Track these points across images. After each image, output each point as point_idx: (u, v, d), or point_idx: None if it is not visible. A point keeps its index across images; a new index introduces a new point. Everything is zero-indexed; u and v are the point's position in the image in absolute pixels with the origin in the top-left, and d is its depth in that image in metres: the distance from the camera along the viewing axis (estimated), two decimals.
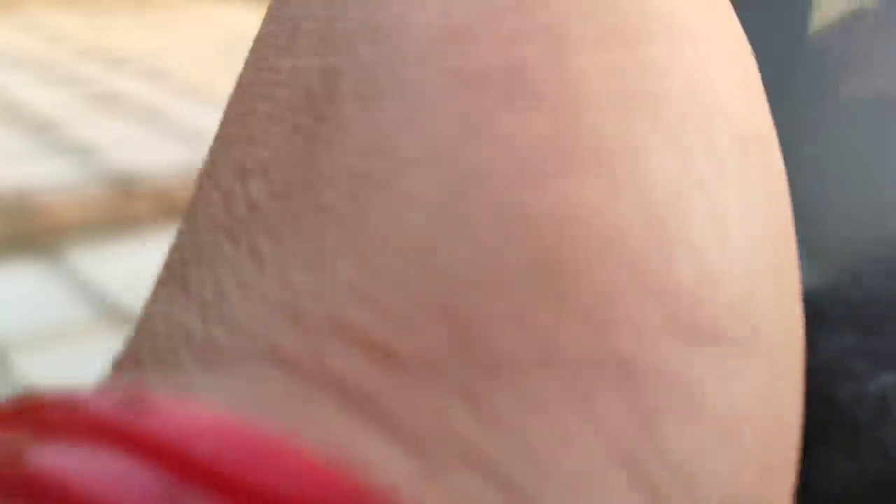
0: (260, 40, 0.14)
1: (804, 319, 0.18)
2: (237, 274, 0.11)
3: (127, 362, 0.12)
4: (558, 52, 0.11)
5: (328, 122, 0.12)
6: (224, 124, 0.13)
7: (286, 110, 0.12)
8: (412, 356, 0.10)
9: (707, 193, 0.11)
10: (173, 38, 4.51)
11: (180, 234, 0.13)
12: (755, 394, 0.11)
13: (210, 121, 3.32)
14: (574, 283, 0.10)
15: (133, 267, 2.35)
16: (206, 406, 0.10)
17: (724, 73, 0.12)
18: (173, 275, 0.12)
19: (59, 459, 0.09)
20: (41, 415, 0.10)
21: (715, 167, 0.11)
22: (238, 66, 4.02)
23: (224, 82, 3.79)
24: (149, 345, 0.11)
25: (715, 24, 0.12)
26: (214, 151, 0.13)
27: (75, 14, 4.89)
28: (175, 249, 0.12)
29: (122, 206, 2.62)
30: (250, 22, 4.94)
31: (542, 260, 0.10)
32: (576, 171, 0.10)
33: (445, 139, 0.11)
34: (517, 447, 0.09)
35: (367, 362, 0.10)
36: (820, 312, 0.19)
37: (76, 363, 1.95)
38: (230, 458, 0.09)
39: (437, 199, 0.11)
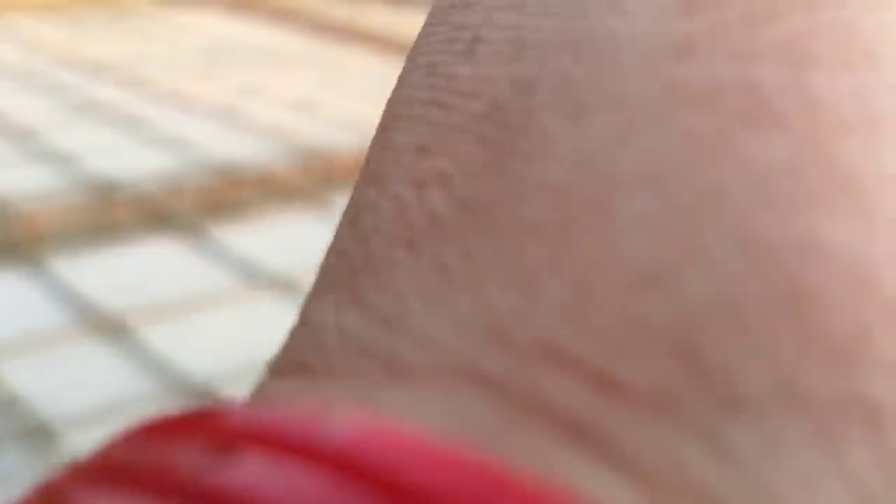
0: (427, 45, 0.13)
1: None
2: (421, 288, 0.11)
3: (293, 372, 0.11)
4: (797, 71, 0.10)
5: (525, 135, 0.11)
6: (385, 130, 0.13)
7: (468, 120, 0.11)
8: (638, 387, 0.09)
9: None
10: (152, 45, 4.51)
11: (342, 241, 0.12)
12: None
13: (190, 127, 3.32)
14: (822, 321, 0.09)
15: (115, 274, 2.35)
16: (399, 421, 0.09)
17: None
18: (340, 284, 0.11)
19: (243, 474, 0.09)
20: (220, 426, 0.09)
21: None
22: (217, 73, 4.02)
23: (203, 89, 3.79)
24: (319, 354, 0.11)
25: None
26: (377, 160, 0.12)
27: (54, 22, 4.88)
28: (337, 258, 0.12)
29: (103, 214, 2.63)
30: (229, 29, 4.94)
31: (787, 293, 0.09)
32: (824, 203, 0.10)
33: (671, 158, 0.10)
34: (755, 490, 0.09)
35: (585, 390, 0.09)
36: None
37: (60, 370, 1.96)
38: (437, 482, 0.08)
39: (664, 223, 0.10)
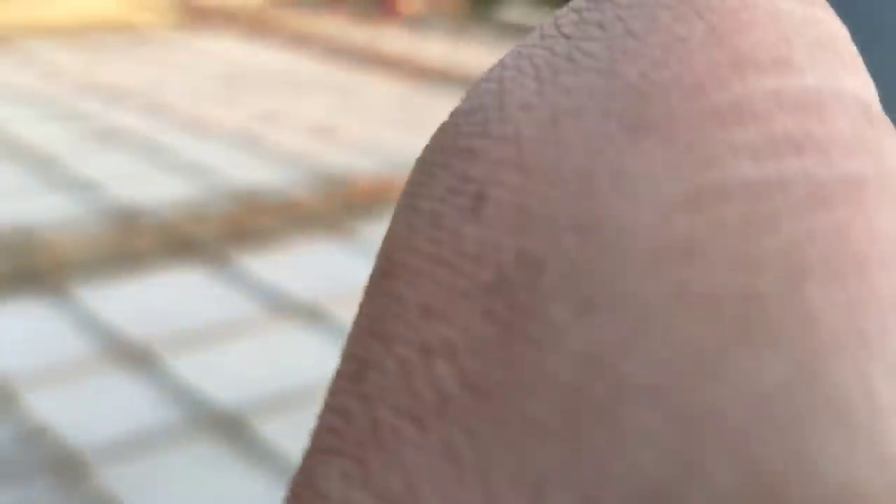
0: (428, 189, 0.13)
1: None
2: (430, 471, 0.11)
3: None
4: (794, 282, 0.10)
5: (533, 319, 0.11)
6: (387, 276, 0.12)
7: (475, 289, 0.11)
8: None
9: None
10: (171, 71, 4.53)
11: (346, 399, 0.12)
12: None
13: (210, 153, 3.33)
14: None
15: (139, 302, 2.35)
16: None
17: None
18: (347, 452, 0.11)
19: None
20: None
21: None
22: (237, 98, 4.04)
23: (223, 114, 3.80)
24: None
25: None
26: (381, 308, 0.12)
27: (73, 49, 4.91)
28: (341, 418, 0.12)
29: (124, 241, 2.63)
30: (247, 54, 4.96)
31: None
32: (813, 423, 0.10)
33: (675, 370, 0.10)
34: None
35: None
36: None
37: (84, 400, 1.95)
38: None
39: (669, 438, 0.10)
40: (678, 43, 0.12)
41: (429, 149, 0.13)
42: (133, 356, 2.11)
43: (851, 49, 0.13)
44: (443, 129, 0.13)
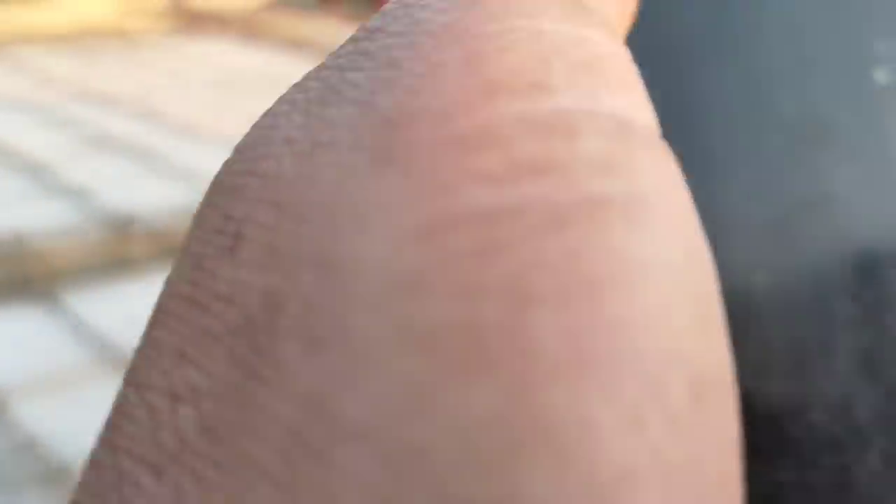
0: (198, 232, 0.12)
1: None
2: None
3: None
4: (517, 310, 0.10)
5: (267, 359, 0.11)
6: (152, 325, 0.12)
7: (224, 331, 0.11)
8: None
9: (658, 461, 0.10)
10: (164, 76, 4.53)
11: (98, 451, 0.12)
12: None
13: (204, 160, 3.32)
14: None
15: (132, 309, 2.33)
16: None
17: (685, 313, 0.11)
18: (96, 498, 0.11)
19: None
20: None
21: (668, 428, 0.10)
22: (230, 104, 4.03)
23: (216, 120, 3.80)
24: None
25: (681, 254, 0.11)
26: (141, 357, 0.12)
27: (65, 55, 4.91)
28: (93, 471, 0.11)
29: (118, 248, 2.61)
30: (241, 58, 4.96)
31: None
32: (524, 453, 0.10)
33: (389, 409, 0.10)
34: None
35: None
36: (756, 444, 0.18)
37: (76, 409, 1.94)
38: None
39: (374, 480, 0.10)
40: (434, 71, 0.12)
41: (208, 188, 0.13)
42: (126, 364, 2.09)
43: (622, 68, 0.13)
44: (221, 167, 0.13)
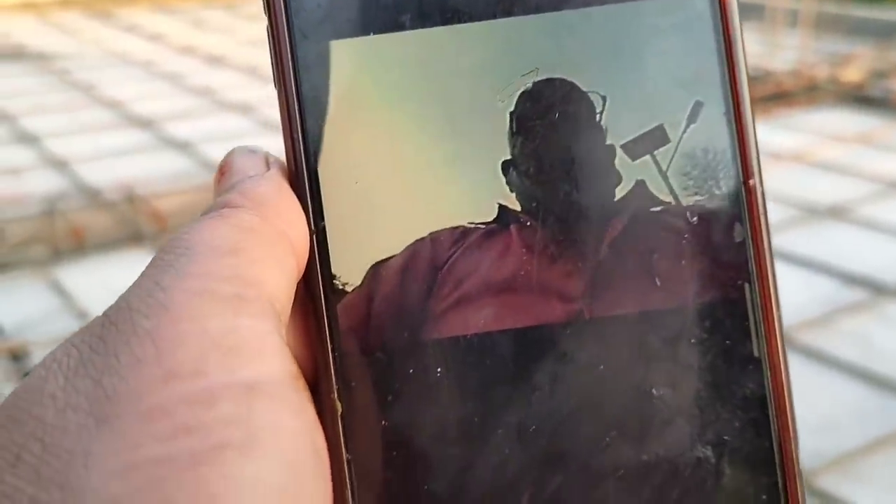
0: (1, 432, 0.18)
1: None
2: None
3: None
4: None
5: None
6: None
7: None
8: None
9: None
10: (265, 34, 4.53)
11: None
12: None
13: None
14: None
15: None
16: None
17: None
18: None
19: None
20: None
21: None
22: None
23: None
24: None
25: (284, 473, 0.18)
26: None
27: (172, 15, 4.98)
28: None
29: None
30: None
31: None
32: None
33: None
34: None
35: None
36: None
37: None
38: None
39: None
40: (135, 364, 0.18)
41: (1, 411, 0.19)
42: None
43: (260, 339, 0.19)
44: (8, 398, 0.20)
